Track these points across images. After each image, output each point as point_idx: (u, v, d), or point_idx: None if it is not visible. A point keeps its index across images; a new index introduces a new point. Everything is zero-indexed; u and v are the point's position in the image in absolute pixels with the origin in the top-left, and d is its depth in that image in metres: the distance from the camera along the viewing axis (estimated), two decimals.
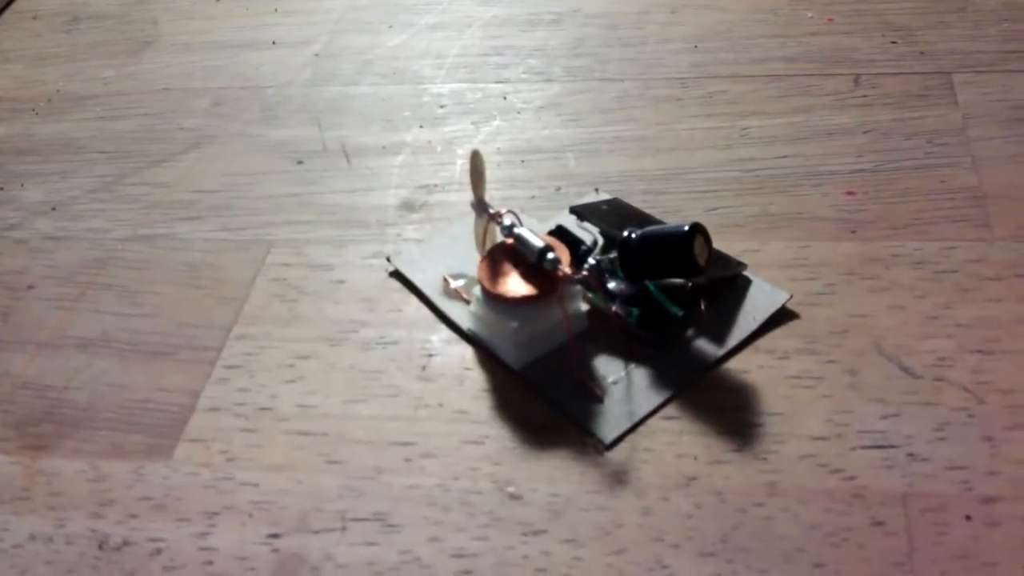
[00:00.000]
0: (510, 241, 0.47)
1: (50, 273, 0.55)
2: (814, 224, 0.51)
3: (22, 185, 0.61)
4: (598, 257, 0.48)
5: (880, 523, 0.39)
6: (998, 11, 0.63)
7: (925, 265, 0.48)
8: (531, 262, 0.46)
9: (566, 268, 0.45)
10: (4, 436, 0.47)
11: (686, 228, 0.44)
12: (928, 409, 0.43)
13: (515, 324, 0.45)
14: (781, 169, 0.54)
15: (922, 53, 0.61)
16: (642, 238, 0.45)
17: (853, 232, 0.50)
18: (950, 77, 0.59)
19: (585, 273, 0.45)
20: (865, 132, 0.56)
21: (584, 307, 0.47)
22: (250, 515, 0.43)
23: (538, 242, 0.46)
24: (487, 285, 0.46)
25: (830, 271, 0.49)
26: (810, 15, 0.65)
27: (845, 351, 0.45)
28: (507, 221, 0.47)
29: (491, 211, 0.48)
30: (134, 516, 0.43)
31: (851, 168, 0.54)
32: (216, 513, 0.43)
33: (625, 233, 0.46)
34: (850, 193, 0.52)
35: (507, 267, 0.46)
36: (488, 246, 0.48)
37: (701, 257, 0.44)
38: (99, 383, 0.49)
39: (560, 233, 0.50)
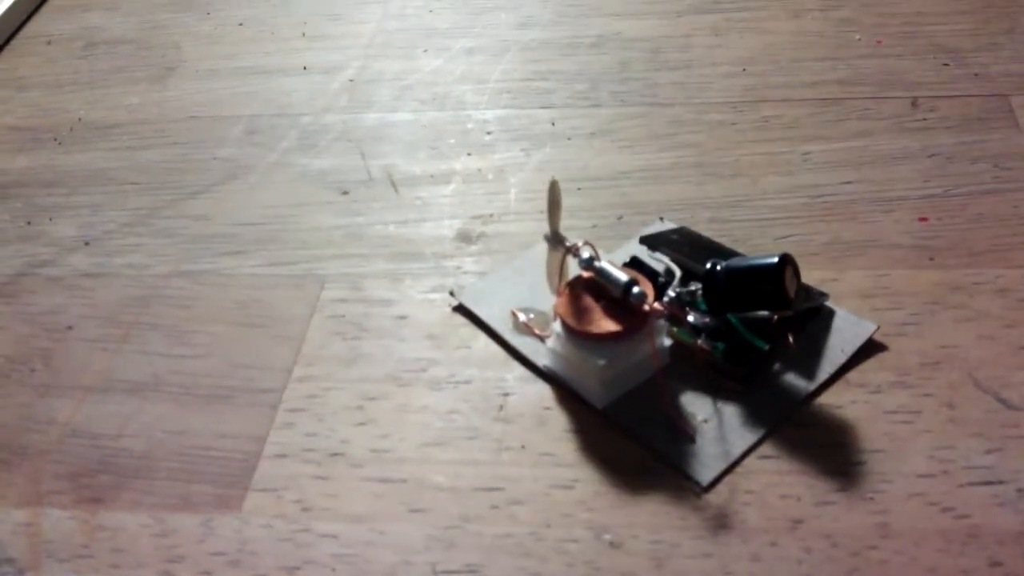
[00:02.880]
0: (587, 274, 0.45)
1: (90, 313, 0.52)
2: (891, 252, 0.50)
3: (50, 219, 0.58)
4: (678, 289, 0.46)
5: (999, 563, 0.38)
6: None
7: (1009, 293, 0.47)
8: (614, 296, 0.44)
9: (653, 302, 0.43)
10: (57, 489, 0.44)
11: (776, 259, 0.43)
12: None
13: (602, 362, 0.43)
14: (849, 195, 0.53)
15: (976, 75, 0.60)
16: (729, 270, 0.44)
17: (931, 259, 0.49)
18: (1008, 100, 0.58)
19: (669, 306, 0.44)
20: (929, 156, 0.55)
21: (667, 342, 0.45)
22: (333, 570, 0.40)
23: (623, 275, 0.44)
24: (571, 321, 0.44)
25: (913, 300, 0.47)
26: (858, 37, 0.64)
27: (939, 384, 0.44)
28: (586, 254, 0.45)
29: (567, 244, 0.46)
30: (207, 573, 0.41)
31: (920, 193, 0.53)
32: (297, 568, 0.40)
33: (709, 265, 0.44)
34: (923, 219, 0.51)
35: (589, 302, 0.45)
36: (562, 280, 0.46)
37: (791, 289, 0.43)
38: (155, 430, 0.46)
39: (637, 265, 0.48)
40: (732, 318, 0.45)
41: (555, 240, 0.46)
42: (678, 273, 0.47)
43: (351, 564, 0.40)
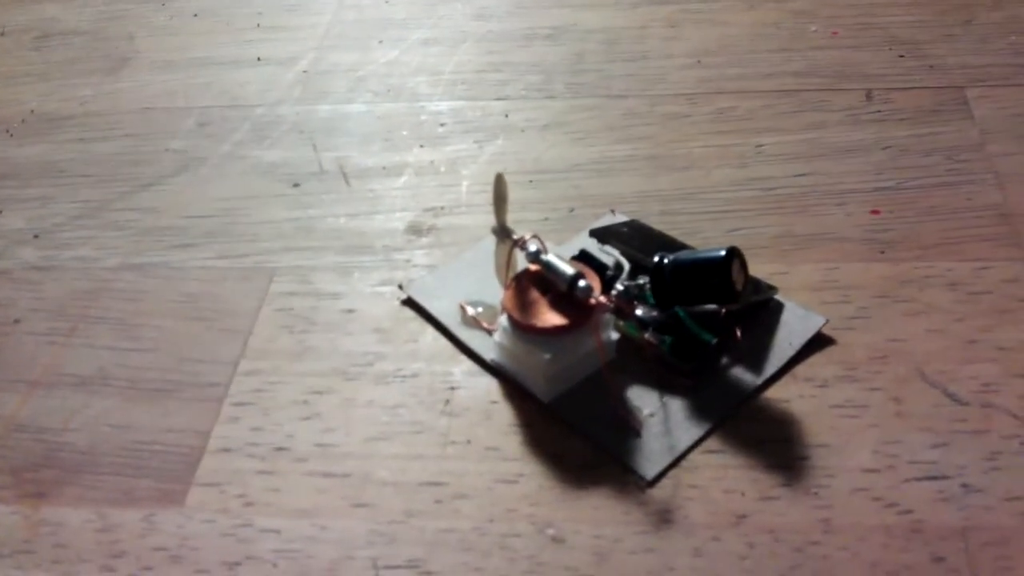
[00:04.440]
0: (534, 267, 0.45)
1: (38, 306, 0.52)
2: (841, 245, 0.50)
3: (0, 212, 0.58)
4: (626, 283, 0.46)
5: (941, 559, 0.38)
6: (1004, 24, 0.62)
7: (959, 286, 0.47)
8: (561, 290, 0.44)
9: (599, 296, 0.43)
10: (0, 484, 0.44)
11: (723, 253, 0.43)
12: (978, 437, 0.41)
13: (548, 356, 0.43)
14: (801, 188, 0.53)
15: (932, 67, 0.60)
16: (676, 264, 0.43)
17: (882, 252, 0.49)
18: (963, 92, 0.58)
19: (616, 300, 0.43)
20: (883, 148, 0.55)
21: (615, 336, 0.45)
22: (274, 565, 0.40)
23: (569, 269, 0.43)
24: (516, 315, 0.44)
25: (863, 294, 0.47)
26: (814, 28, 0.64)
27: (887, 378, 0.44)
28: (533, 247, 0.45)
29: (515, 237, 0.45)
30: (148, 568, 0.40)
31: (873, 186, 0.52)
32: (237, 564, 0.40)
33: (657, 258, 0.44)
34: (875, 212, 0.51)
35: (535, 295, 0.44)
36: (510, 273, 0.46)
37: (739, 282, 0.43)
38: (100, 424, 0.46)
39: (585, 258, 0.48)
40: (680, 312, 0.45)
41: (502, 233, 0.46)
42: (627, 266, 0.47)
43: (292, 559, 0.40)
